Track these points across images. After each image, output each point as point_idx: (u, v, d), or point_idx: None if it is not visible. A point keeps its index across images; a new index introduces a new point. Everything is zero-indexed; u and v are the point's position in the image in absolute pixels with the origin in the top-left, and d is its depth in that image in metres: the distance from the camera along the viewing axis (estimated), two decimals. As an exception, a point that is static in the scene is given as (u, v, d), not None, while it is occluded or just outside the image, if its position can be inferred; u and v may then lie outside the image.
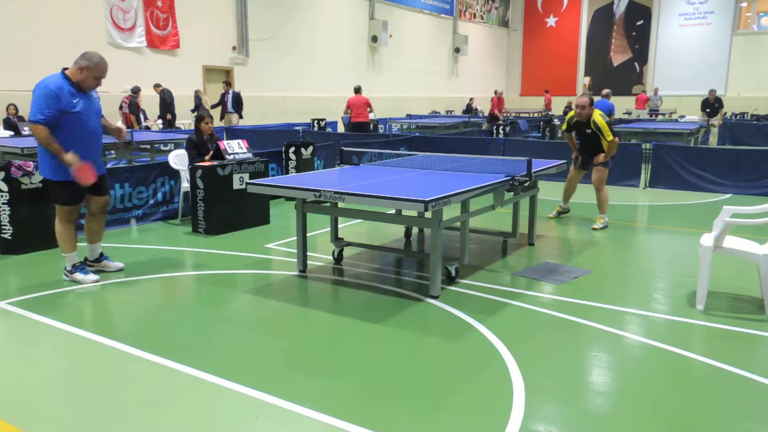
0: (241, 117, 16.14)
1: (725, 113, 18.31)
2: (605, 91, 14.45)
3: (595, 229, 6.98)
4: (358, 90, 14.72)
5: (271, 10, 18.88)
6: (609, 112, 13.64)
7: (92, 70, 4.68)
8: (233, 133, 14.24)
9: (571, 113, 7.34)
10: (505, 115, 24.44)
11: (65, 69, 4.74)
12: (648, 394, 3.22)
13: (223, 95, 15.87)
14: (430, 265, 4.66)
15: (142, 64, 15.63)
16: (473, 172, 5.67)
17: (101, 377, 3.39)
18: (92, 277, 5.01)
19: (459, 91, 27.91)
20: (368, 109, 14.52)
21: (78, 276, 4.99)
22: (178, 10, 16.40)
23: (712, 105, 17.39)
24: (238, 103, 15.90)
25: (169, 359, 3.58)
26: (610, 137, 7.00)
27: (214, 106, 15.58)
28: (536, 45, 31.80)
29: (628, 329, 4.11)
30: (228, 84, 16.17)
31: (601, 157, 7.09)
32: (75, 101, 4.66)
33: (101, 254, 5.31)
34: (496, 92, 19.57)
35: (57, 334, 3.98)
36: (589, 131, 7.13)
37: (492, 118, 19.32)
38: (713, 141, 16.96)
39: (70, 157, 4.59)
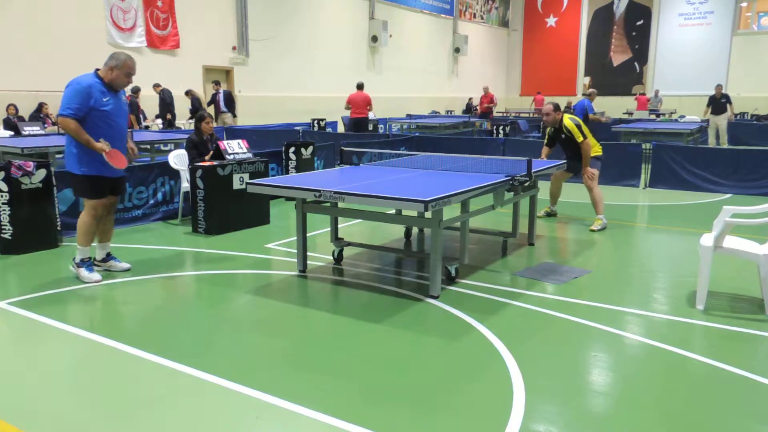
0: (234, 116, 16.09)
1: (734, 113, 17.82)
2: (590, 90, 14.46)
3: (593, 230, 6.95)
4: (360, 86, 14.75)
5: (271, 10, 18.87)
6: (582, 110, 13.72)
7: (122, 68, 4.86)
8: (233, 133, 14.24)
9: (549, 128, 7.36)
10: (505, 114, 24.53)
11: (97, 70, 4.88)
12: (648, 394, 3.22)
13: (215, 95, 15.83)
14: (430, 265, 4.66)
15: (142, 64, 15.51)
16: (473, 172, 5.67)
17: (101, 377, 3.39)
18: (96, 276, 5.03)
19: (459, 91, 27.91)
20: (368, 107, 14.55)
21: (83, 272, 5.02)
22: (178, 10, 16.40)
23: (718, 101, 16.68)
24: (229, 102, 15.85)
25: (169, 359, 3.58)
26: (580, 139, 6.99)
27: (208, 104, 15.67)
28: (536, 45, 31.79)
29: (628, 329, 4.11)
30: (218, 83, 16.11)
31: (587, 173, 7.05)
32: (106, 100, 4.80)
33: (108, 254, 5.33)
34: (487, 89, 20.08)
35: (57, 334, 3.98)
36: (563, 136, 7.15)
37: (484, 114, 19.68)
38: (721, 141, 16.72)
39: (100, 144, 4.73)
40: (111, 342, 3.84)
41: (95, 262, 5.30)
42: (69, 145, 4.87)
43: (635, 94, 23.95)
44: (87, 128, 4.74)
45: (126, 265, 5.35)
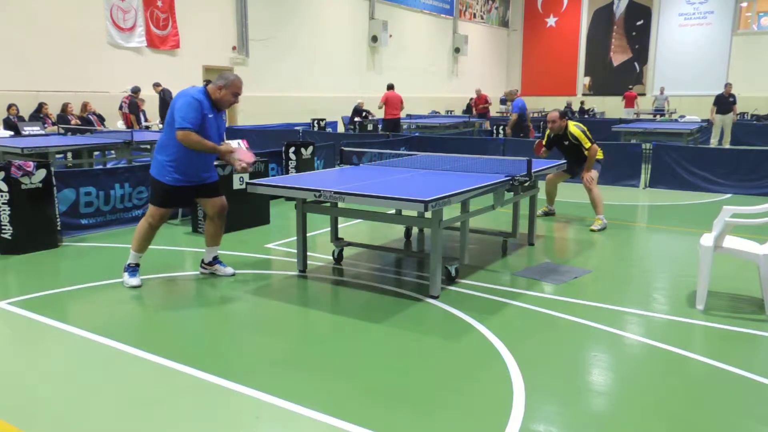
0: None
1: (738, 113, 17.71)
2: (511, 90, 14.54)
3: (593, 230, 6.95)
4: (391, 87, 15.20)
5: (271, 10, 18.87)
6: (521, 110, 13.90)
7: (230, 88, 4.81)
8: (233, 133, 14.23)
9: (548, 131, 7.35)
10: (505, 114, 24.57)
11: (206, 85, 4.89)
12: (648, 394, 3.22)
13: None
14: (430, 265, 4.66)
15: (142, 64, 15.63)
16: (473, 172, 5.67)
17: (101, 377, 3.39)
18: (134, 281, 4.95)
19: (459, 91, 27.90)
20: (401, 107, 14.82)
21: (125, 276, 5.00)
22: (178, 10, 16.39)
23: (726, 99, 16.58)
24: None
25: (169, 359, 3.58)
26: (588, 144, 7.02)
27: None
28: (536, 45, 31.78)
29: (628, 329, 4.11)
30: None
31: (587, 174, 7.02)
32: (209, 117, 4.79)
33: (215, 258, 5.27)
34: (479, 91, 20.31)
35: (57, 334, 3.98)
36: (567, 143, 7.15)
37: (481, 114, 19.80)
38: (724, 140, 16.70)
39: (223, 147, 4.79)
40: (111, 342, 3.84)
41: (203, 265, 5.29)
42: (159, 154, 4.82)
43: (636, 94, 23.87)
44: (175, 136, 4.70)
45: (231, 270, 5.27)
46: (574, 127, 7.10)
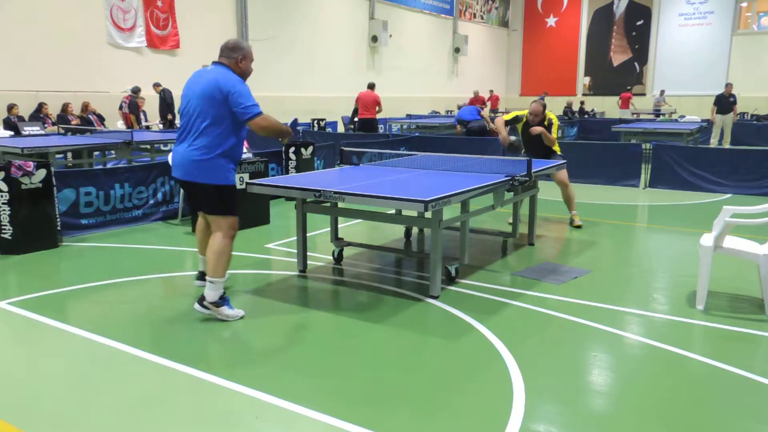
0: None
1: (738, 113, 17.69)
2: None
3: (578, 226, 7.04)
4: (371, 86, 14.61)
5: (271, 10, 18.87)
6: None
7: (248, 56, 4.31)
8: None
9: (524, 112, 7.32)
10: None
11: (219, 64, 4.31)
12: (648, 394, 3.22)
13: None
14: (430, 265, 4.66)
15: (142, 64, 15.62)
16: (473, 172, 5.67)
17: (101, 377, 3.39)
18: (240, 312, 4.26)
19: (459, 91, 27.88)
20: (376, 108, 14.27)
21: (225, 310, 4.18)
22: (178, 10, 16.39)
23: (726, 99, 16.52)
24: None
25: (169, 359, 3.58)
26: (556, 135, 7.13)
27: None
28: (536, 45, 31.77)
29: (628, 329, 4.11)
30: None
31: (560, 174, 7.00)
32: None
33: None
34: (477, 93, 20.25)
35: (57, 334, 3.98)
36: (546, 124, 7.13)
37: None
38: (725, 140, 16.71)
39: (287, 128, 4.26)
40: (111, 342, 3.84)
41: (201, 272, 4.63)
42: (212, 152, 4.07)
43: (634, 93, 23.86)
44: (230, 126, 4.10)
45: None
46: (553, 114, 7.21)
